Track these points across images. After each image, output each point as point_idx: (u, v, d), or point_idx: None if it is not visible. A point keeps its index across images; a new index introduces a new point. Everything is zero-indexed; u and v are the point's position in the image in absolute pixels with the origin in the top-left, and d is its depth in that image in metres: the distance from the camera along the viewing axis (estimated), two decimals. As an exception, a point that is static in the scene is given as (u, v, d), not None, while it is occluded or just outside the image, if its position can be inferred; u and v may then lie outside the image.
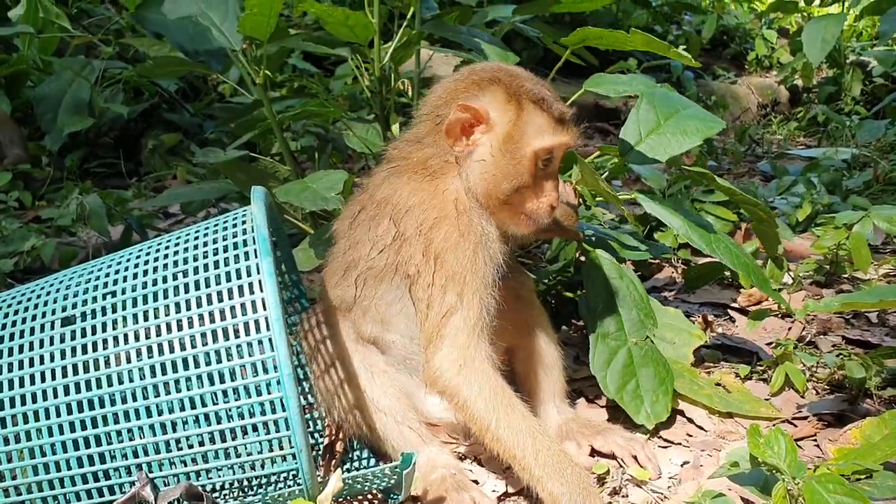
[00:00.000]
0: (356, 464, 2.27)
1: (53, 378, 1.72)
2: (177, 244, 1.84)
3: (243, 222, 1.82)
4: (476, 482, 2.16)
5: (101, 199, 4.00)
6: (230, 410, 1.78)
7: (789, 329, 2.99)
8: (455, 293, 1.99)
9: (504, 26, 3.69)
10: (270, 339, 1.64)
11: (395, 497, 1.99)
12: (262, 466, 1.79)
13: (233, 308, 1.70)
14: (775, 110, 8.14)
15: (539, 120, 2.01)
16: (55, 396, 1.71)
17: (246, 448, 1.82)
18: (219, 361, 1.70)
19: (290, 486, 1.88)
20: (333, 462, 2.19)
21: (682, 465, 2.24)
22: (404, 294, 2.11)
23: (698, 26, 8.82)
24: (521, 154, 2.00)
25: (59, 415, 1.70)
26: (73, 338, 1.76)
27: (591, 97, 7.22)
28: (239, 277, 1.72)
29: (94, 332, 1.76)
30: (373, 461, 2.25)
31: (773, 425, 2.41)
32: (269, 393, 1.67)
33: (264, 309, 1.66)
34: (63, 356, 1.74)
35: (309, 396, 2.38)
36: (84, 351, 1.74)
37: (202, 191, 3.30)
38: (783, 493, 1.65)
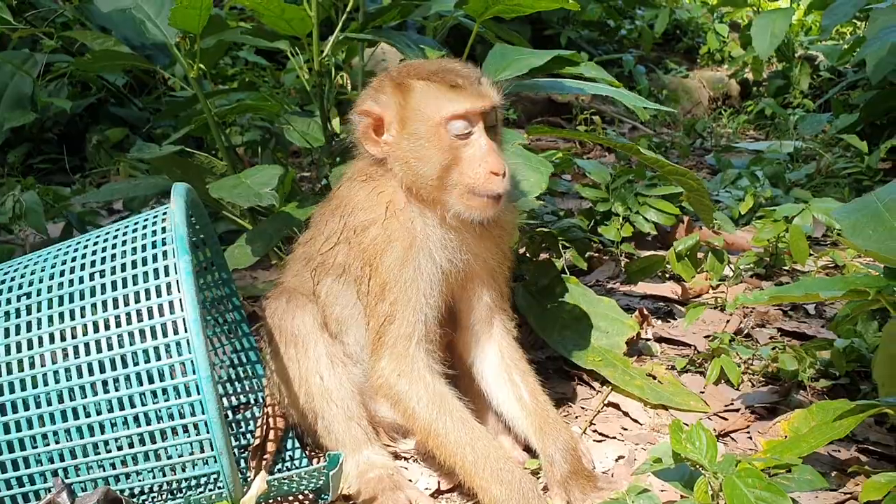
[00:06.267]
0: (288, 464, 2.24)
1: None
2: (95, 244, 1.80)
3: (163, 220, 1.78)
4: (410, 480, 2.14)
5: (39, 195, 3.90)
6: (149, 413, 1.75)
7: (727, 322, 3.02)
8: (389, 302, 1.98)
9: (448, 20, 3.66)
10: (188, 341, 1.60)
11: (325, 497, 1.97)
12: (184, 469, 1.74)
13: (150, 309, 1.67)
14: (726, 104, 8.23)
15: (430, 94, 1.96)
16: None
17: (167, 451, 1.78)
18: (136, 364, 1.66)
19: (219, 488, 1.85)
20: (265, 462, 2.16)
21: (616, 460, 2.25)
22: (357, 299, 2.11)
23: (651, 20, 8.89)
24: (425, 132, 1.95)
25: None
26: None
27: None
28: (157, 277, 1.69)
29: (7, 335, 1.71)
30: (305, 462, 2.23)
31: (708, 417, 2.44)
32: (189, 395, 1.64)
33: (182, 310, 1.63)
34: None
35: (241, 397, 2.36)
36: (-4, 354, 1.69)
37: (140, 186, 3.24)
38: (705, 488, 1.66)
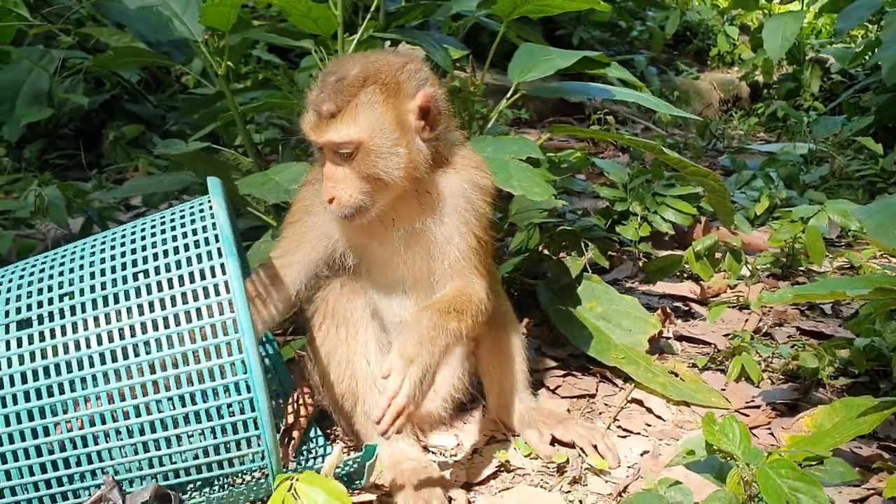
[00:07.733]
0: (312, 446, 2.29)
1: (13, 385, 1.66)
2: (133, 240, 1.80)
3: (201, 215, 1.80)
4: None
5: (60, 190, 3.94)
6: (195, 393, 1.76)
7: (746, 321, 3.05)
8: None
9: (468, 20, 3.70)
10: (239, 341, 1.65)
11: (358, 485, 2.01)
12: (228, 450, 1.76)
13: (199, 310, 1.69)
14: (737, 105, 8.26)
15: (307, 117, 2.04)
16: (15, 403, 1.66)
17: (213, 430, 1.79)
18: (182, 344, 1.68)
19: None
20: (292, 445, 2.21)
21: (641, 455, 2.28)
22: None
23: (662, 22, 8.91)
24: None
25: (19, 421, 1.66)
26: (31, 342, 1.69)
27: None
28: (203, 278, 1.70)
29: (53, 336, 1.69)
30: (329, 448, 2.27)
31: (730, 413, 2.47)
32: (238, 394, 1.67)
33: (231, 311, 1.66)
34: (21, 361, 1.68)
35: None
36: (44, 356, 1.68)
37: (163, 182, 3.27)
38: (737, 478, 1.69)
